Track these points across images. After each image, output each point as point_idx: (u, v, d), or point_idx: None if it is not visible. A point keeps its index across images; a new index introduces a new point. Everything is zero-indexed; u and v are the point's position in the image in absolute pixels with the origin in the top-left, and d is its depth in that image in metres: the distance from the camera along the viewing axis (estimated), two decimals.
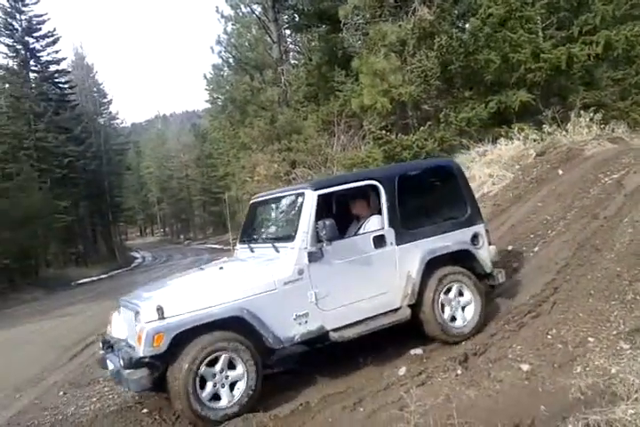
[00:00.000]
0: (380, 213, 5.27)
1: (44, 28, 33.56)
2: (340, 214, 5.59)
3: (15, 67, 33.23)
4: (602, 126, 10.48)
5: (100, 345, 5.10)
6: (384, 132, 12.78)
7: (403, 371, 4.78)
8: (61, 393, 6.12)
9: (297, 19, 20.83)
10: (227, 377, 4.34)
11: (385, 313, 5.06)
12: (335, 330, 4.79)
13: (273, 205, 5.83)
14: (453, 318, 5.30)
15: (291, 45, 25.02)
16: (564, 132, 10.55)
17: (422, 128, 12.79)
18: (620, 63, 13.11)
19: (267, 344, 4.49)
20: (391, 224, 5.16)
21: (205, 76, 32.77)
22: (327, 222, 4.69)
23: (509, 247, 7.20)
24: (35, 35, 33.42)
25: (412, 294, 5.09)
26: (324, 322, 4.75)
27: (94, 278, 28.50)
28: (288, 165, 18.35)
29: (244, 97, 21.68)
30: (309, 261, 4.73)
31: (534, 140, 10.65)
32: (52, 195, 30.20)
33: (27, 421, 5.34)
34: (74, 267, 32.79)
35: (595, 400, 3.60)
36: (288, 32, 23.45)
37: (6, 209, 23.86)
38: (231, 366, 4.36)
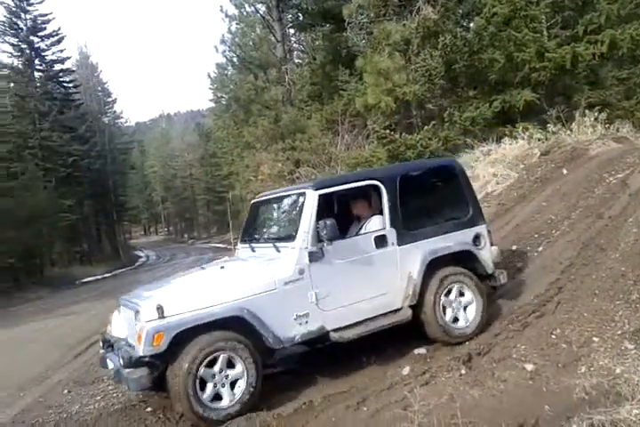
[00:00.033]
0: (381, 213, 5.24)
1: (49, 28, 33.77)
2: (341, 214, 5.58)
3: (20, 66, 33.35)
4: (606, 126, 10.45)
5: (100, 344, 5.11)
6: (388, 131, 12.79)
7: (406, 371, 4.77)
8: (66, 391, 6.13)
9: (301, 18, 20.86)
10: (226, 376, 4.33)
11: (385, 314, 5.03)
12: (335, 330, 4.77)
13: (274, 205, 5.81)
14: (456, 319, 5.28)
15: (295, 44, 25.01)
16: (568, 132, 10.52)
17: (426, 127, 12.79)
18: (625, 62, 13.10)
19: (267, 344, 4.47)
20: (392, 224, 5.14)
21: (209, 76, 32.77)
22: (328, 222, 4.67)
23: (514, 247, 7.18)
24: (39, 34, 33.53)
25: (412, 294, 5.06)
26: (325, 322, 4.73)
27: (98, 277, 28.57)
28: (292, 164, 18.35)
29: (248, 96, 21.70)
30: (310, 260, 4.71)
31: (539, 140, 10.62)
32: (57, 194, 30.31)
33: (31, 419, 5.33)
34: (78, 266, 32.86)
35: (599, 400, 3.59)
36: (292, 31, 23.43)
37: (11, 208, 23.93)
38: (230, 365, 4.35)
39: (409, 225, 5.22)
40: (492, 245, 5.73)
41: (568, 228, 6.98)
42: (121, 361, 4.33)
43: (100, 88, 50.98)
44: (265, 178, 18.72)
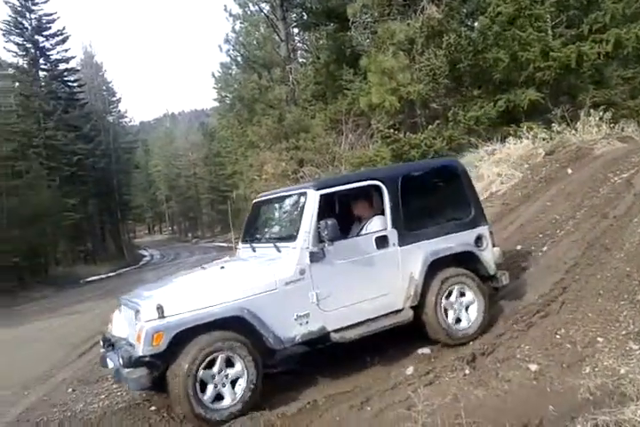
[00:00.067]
0: (382, 213, 5.22)
1: (54, 27, 33.92)
2: (342, 214, 5.57)
3: (25, 65, 33.49)
4: (611, 125, 10.43)
5: (101, 343, 5.10)
6: (392, 130, 12.78)
7: (410, 370, 4.76)
8: (70, 390, 6.14)
9: (305, 17, 20.84)
10: (226, 376, 4.31)
11: (387, 314, 5.01)
12: (336, 331, 4.75)
13: (275, 205, 5.79)
14: (458, 320, 5.26)
15: (299, 44, 24.96)
16: (573, 131, 10.49)
17: (431, 127, 12.77)
18: (630, 62, 13.06)
19: (267, 344, 4.45)
20: (394, 225, 5.11)
21: (213, 75, 32.75)
22: (329, 222, 4.64)
23: (518, 247, 7.15)
24: (44, 33, 33.65)
25: (414, 295, 5.04)
26: (326, 323, 4.72)
27: (103, 276, 28.65)
28: (296, 163, 18.33)
29: (252, 95, 21.71)
30: (311, 261, 4.69)
31: (543, 139, 10.60)
32: (61, 193, 30.38)
33: (36, 417, 5.34)
34: (82, 265, 32.98)
35: (604, 401, 3.58)
36: (296, 30, 23.45)
37: (16, 207, 24.05)
38: (229, 364, 4.33)
39: (410, 226, 5.19)
40: (494, 246, 5.69)
41: (573, 228, 6.95)
42: (121, 361, 4.31)
43: (104, 87, 51.10)
44: (269, 177, 18.71)
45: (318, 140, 17.62)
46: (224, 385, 4.31)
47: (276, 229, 5.83)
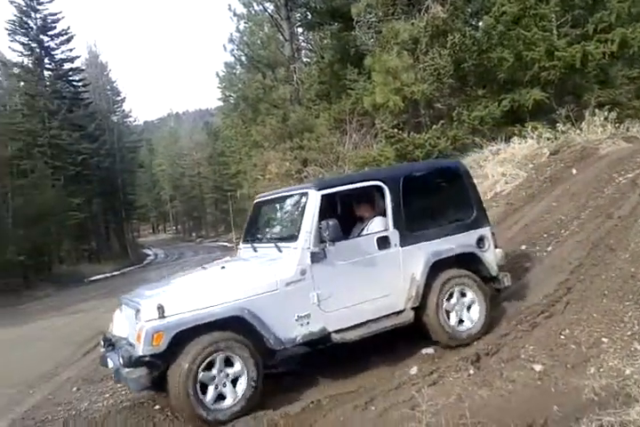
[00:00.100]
0: (384, 214, 5.20)
1: (59, 27, 33.97)
2: (343, 215, 5.54)
3: (30, 65, 33.59)
4: (616, 125, 10.40)
5: (102, 343, 5.09)
6: (396, 130, 12.77)
7: (414, 370, 4.75)
8: (75, 389, 6.17)
9: (309, 16, 20.79)
10: (227, 376, 4.30)
11: (388, 315, 4.99)
12: (337, 332, 4.74)
13: (277, 205, 5.77)
14: (461, 321, 5.23)
15: (303, 43, 24.94)
16: (578, 131, 10.46)
17: (435, 126, 12.76)
18: (636, 61, 13.03)
19: (268, 345, 4.44)
20: (395, 226, 5.09)
21: (218, 75, 32.79)
22: (330, 223, 4.62)
23: (522, 247, 7.14)
24: (49, 33, 33.74)
25: (415, 296, 5.02)
26: (326, 323, 4.70)
27: (107, 275, 28.75)
28: (300, 163, 18.33)
29: (257, 95, 21.71)
30: (312, 261, 4.67)
31: (548, 139, 10.57)
32: (66, 192, 30.47)
33: (41, 416, 5.37)
34: (86, 264, 33.07)
35: (608, 401, 3.55)
36: (300, 30, 23.38)
37: (20, 206, 24.11)
38: (229, 363, 4.31)
39: (412, 226, 5.16)
40: (496, 247, 5.67)
41: (577, 228, 6.93)
42: (121, 360, 4.30)
43: (109, 87, 51.28)
44: (272, 177, 18.72)
45: (322, 139, 17.59)
46: (225, 385, 4.29)
47: (277, 229, 5.81)
